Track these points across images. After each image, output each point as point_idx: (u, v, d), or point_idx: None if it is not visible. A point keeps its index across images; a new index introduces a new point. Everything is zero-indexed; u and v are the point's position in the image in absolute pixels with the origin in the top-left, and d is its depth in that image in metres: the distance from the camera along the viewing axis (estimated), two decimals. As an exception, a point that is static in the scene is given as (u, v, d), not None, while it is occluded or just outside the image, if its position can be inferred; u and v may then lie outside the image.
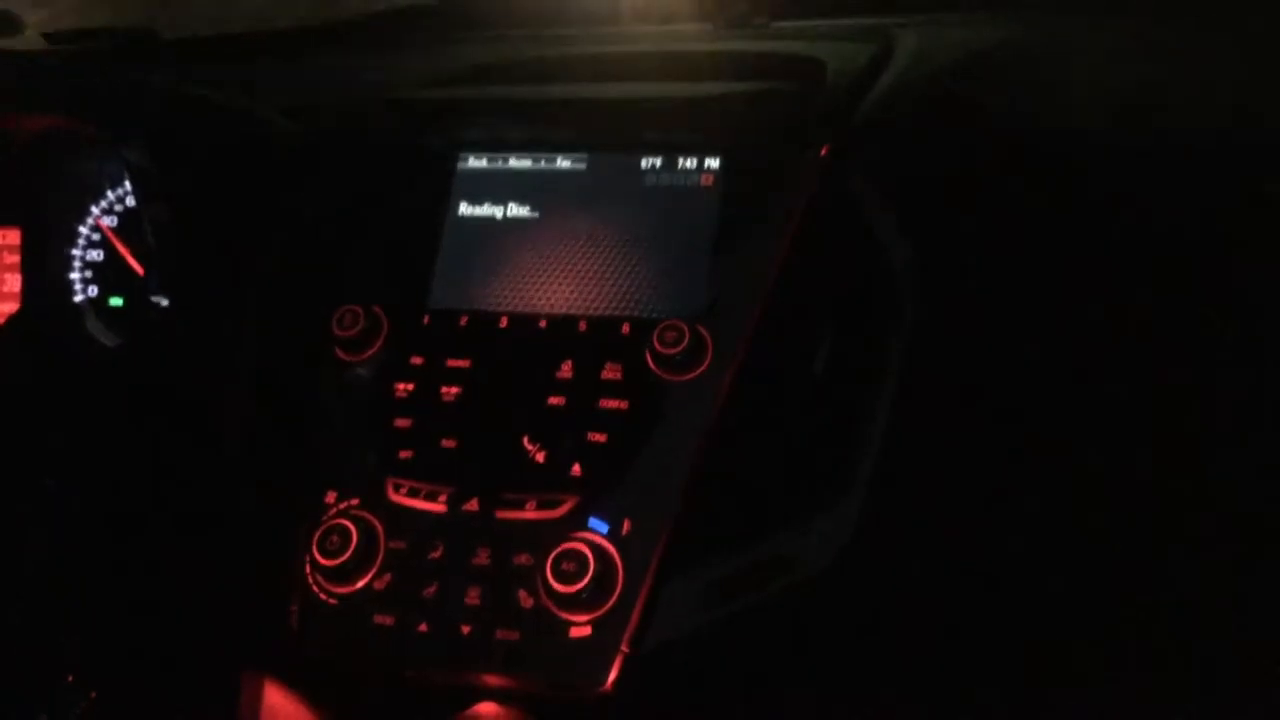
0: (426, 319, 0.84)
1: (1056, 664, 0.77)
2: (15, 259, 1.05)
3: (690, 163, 0.85)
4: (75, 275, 1.04)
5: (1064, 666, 0.77)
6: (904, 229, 0.80)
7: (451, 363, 0.82)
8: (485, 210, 0.88)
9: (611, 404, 0.78)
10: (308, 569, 0.78)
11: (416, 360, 0.83)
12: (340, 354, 0.84)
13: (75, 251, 1.04)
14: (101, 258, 1.04)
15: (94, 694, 0.80)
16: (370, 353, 0.83)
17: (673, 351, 0.76)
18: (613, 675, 0.71)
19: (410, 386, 0.82)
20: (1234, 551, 0.76)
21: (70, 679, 0.80)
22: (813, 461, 0.77)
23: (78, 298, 1.04)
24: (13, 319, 1.01)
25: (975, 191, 0.82)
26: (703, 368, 0.76)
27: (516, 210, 0.88)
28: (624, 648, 0.72)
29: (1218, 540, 0.76)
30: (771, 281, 0.79)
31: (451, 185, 0.90)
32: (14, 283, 1.05)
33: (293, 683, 0.82)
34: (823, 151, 0.81)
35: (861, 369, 0.78)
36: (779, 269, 0.79)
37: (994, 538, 0.76)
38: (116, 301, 1.04)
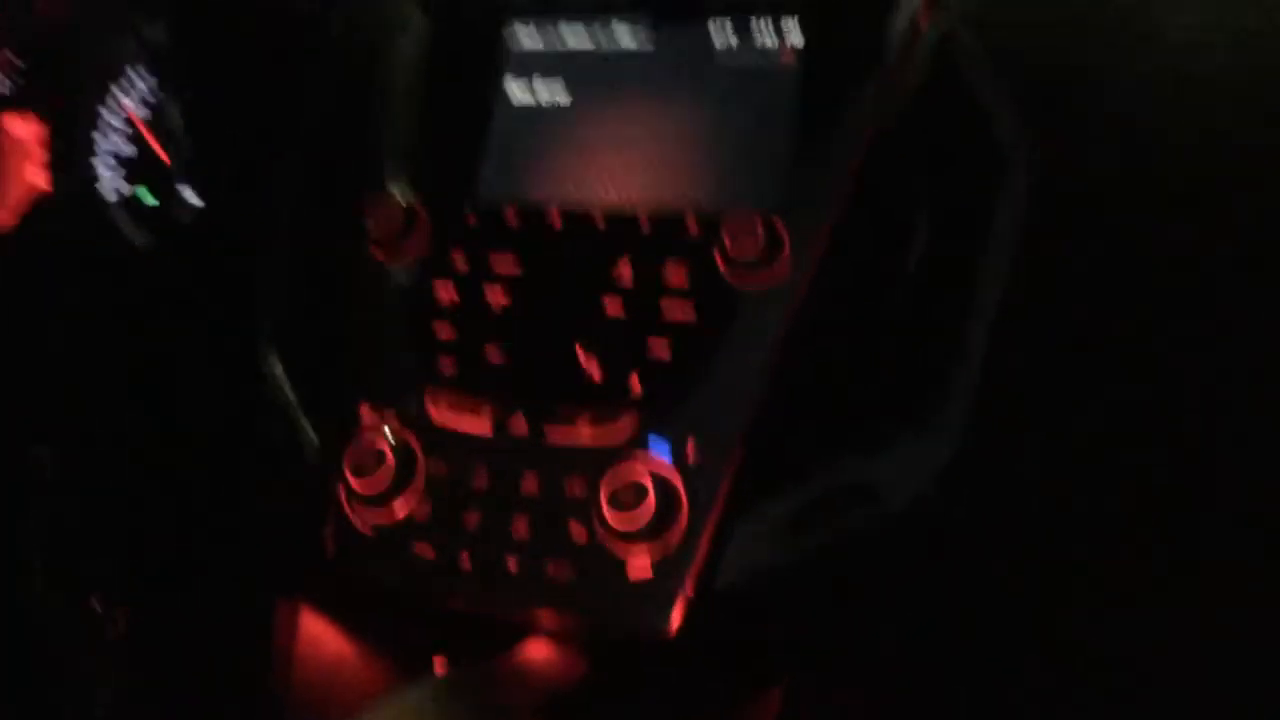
0: (471, 215, 0.75)
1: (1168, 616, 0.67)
2: (40, 150, 0.98)
3: (765, 25, 0.73)
4: (102, 166, 0.97)
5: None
6: (1020, 108, 0.68)
7: (498, 264, 0.73)
8: (536, 90, 0.78)
9: (676, 311, 0.68)
10: (343, 493, 0.70)
11: (459, 261, 0.74)
12: (377, 253, 0.75)
13: (100, 139, 0.97)
14: (128, 147, 0.96)
15: (121, 622, 0.74)
16: (409, 253, 0.74)
17: (745, 250, 0.66)
18: (675, 621, 0.63)
19: (452, 290, 0.73)
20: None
21: (96, 602, 0.75)
22: (905, 376, 0.67)
23: (106, 190, 0.97)
24: (37, 208, 0.94)
25: (1113, 67, 0.69)
26: (779, 269, 0.66)
27: (573, 94, 0.77)
28: (688, 589, 0.64)
29: None
30: (859, 167, 0.68)
31: (497, 61, 0.79)
32: (39, 175, 0.98)
33: (331, 613, 0.76)
34: (922, 20, 0.69)
35: (964, 268, 0.67)
36: (867, 154, 0.68)
37: (1113, 473, 0.66)
38: (146, 198, 0.96)
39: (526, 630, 0.70)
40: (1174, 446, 0.66)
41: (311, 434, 0.75)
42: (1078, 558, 0.69)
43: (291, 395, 0.78)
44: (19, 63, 1.00)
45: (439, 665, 0.75)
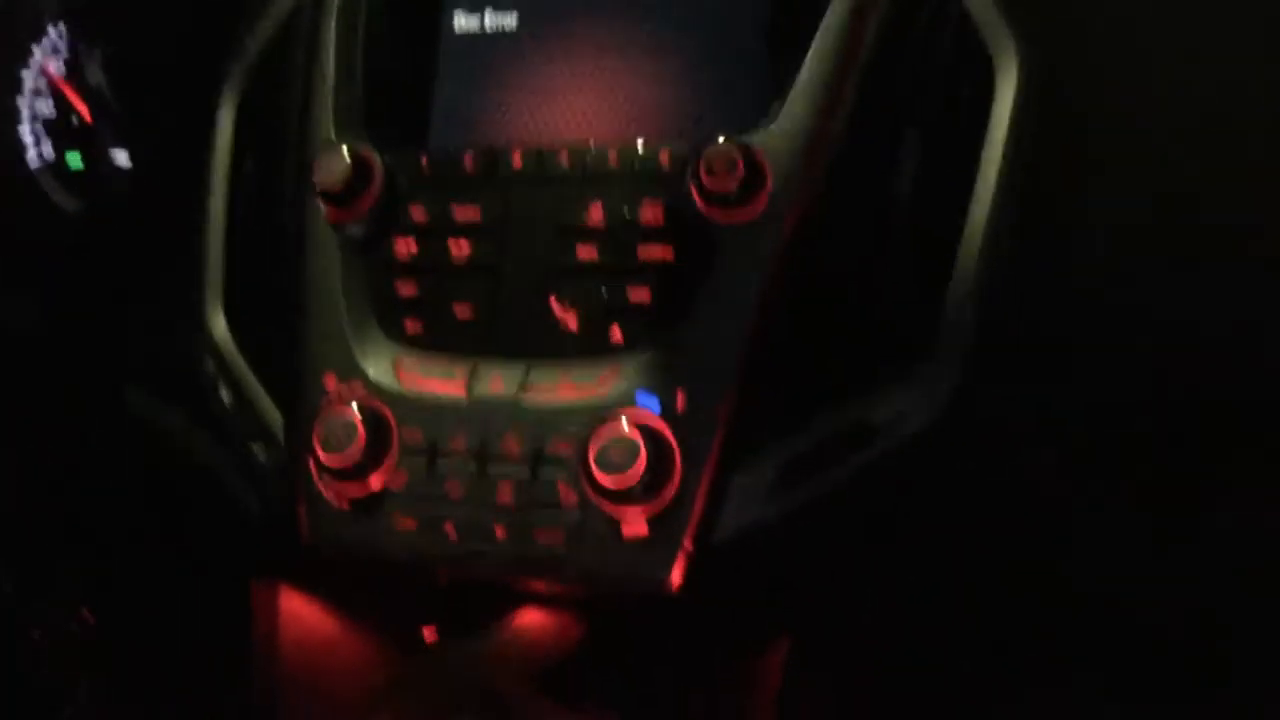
0: (425, 161, 0.70)
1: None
2: (-47, 116, 0.91)
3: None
4: (25, 130, 0.90)
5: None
6: (1009, 25, 0.64)
7: (460, 213, 0.68)
8: (486, 21, 0.72)
9: (654, 253, 0.64)
10: (312, 467, 0.66)
11: (417, 212, 0.69)
12: (328, 209, 0.70)
13: (22, 103, 0.90)
14: (50, 109, 0.90)
15: (87, 612, 0.70)
16: (362, 207, 0.69)
17: (724, 183, 0.61)
18: (676, 577, 0.61)
19: (412, 244, 0.68)
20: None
21: (57, 602, 0.71)
22: (900, 309, 0.64)
23: (29, 156, 0.90)
24: None
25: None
26: (761, 202, 0.62)
27: (524, 19, 0.72)
28: (687, 544, 0.61)
29: None
30: (841, 88, 0.63)
31: (441, -5, 0.74)
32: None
33: (312, 589, 0.72)
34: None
35: (958, 191, 0.63)
36: (850, 76, 0.63)
37: (1123, 406, 0.63)
38: (74, 162, 0.90)
39: (518, 596, 0.67)
40: (1178, 379, 0.63)
41: (271, 408, 0.71)
42: (1077, 500, 0.66)
43: (245, 368, 0.74)
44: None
45: (429, 634, 0.72)
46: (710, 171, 0.61)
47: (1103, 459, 0.64)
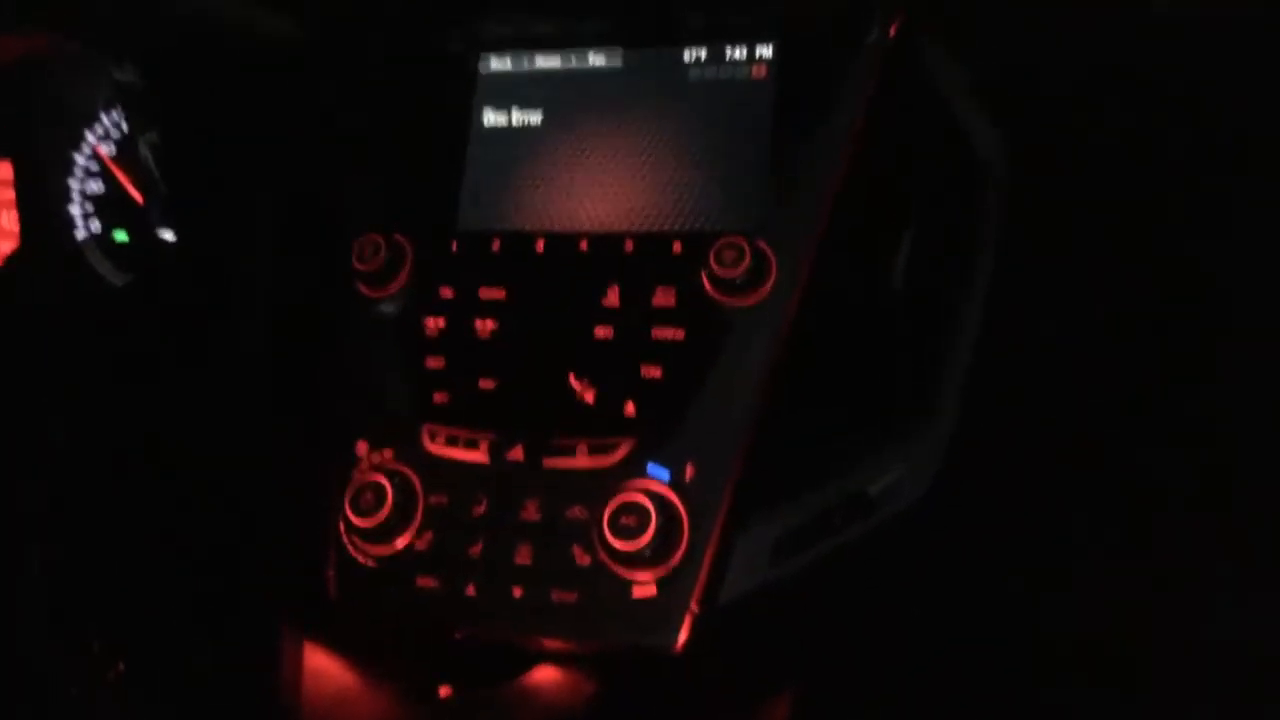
0: (454, 245, 0.76)
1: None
2: (10, 194, 0.97)
3: (739, 52, 0.74)
4: (75, 209, 0.96)
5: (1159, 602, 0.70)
6: (989, 117, 0.69)
7: (485, 293, 0.73)
8: (513, 117, 0.79)
9: (665, 334, 0.69)
10: (342, 528, 0.71)
11: (446, 292, 0.74)
12: (363, 289, 0.75)
13: (73, 183, 0.96)
14: (102, 189, 0.96)
15: (121, 665, 0.74)
16: (395, 286, 0.75)
17: (732, 272, 0.67)
18: (682, 637, 0.65)
19: (441, 322, 0.74)
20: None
21: (95, 647, 0.75)
22: (893, 388, 0.69)
23: (79, 233, 0.96)
24: (10, 259, 0.94)
25: (1069, 73, 0.71)
26: (766, 289, 0.68)
27: (547, 116, 0.78)
28: (693, 606, 0.65)
29: None
30: (839, 185, 0.69)
31: (474, 90, 0.80)
32: (11, 219, 0.98)
33: (336, 646, 0.76)
34: (892, 31, 0.71)
35: (945, 279, 0.69)
36: (847, 170, 0.69)
37: (1096, 473, 0.68)
38: (121, 237, 0.96)
39: (533, 654, 0.71)
40: (1156, 449, 0.68)
41: (306, 471, 0.76)
42: (1064, 562, 0.71)
43: (281, 433, 0.78)
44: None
45: (445, 693, 0.75)
46: (720, 261, 0.67)
47: (1089, 527, 0.69)
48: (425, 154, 0.79)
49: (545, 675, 0.70)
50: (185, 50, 0.85)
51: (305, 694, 0.76)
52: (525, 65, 0.79)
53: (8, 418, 0.82)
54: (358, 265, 0.74)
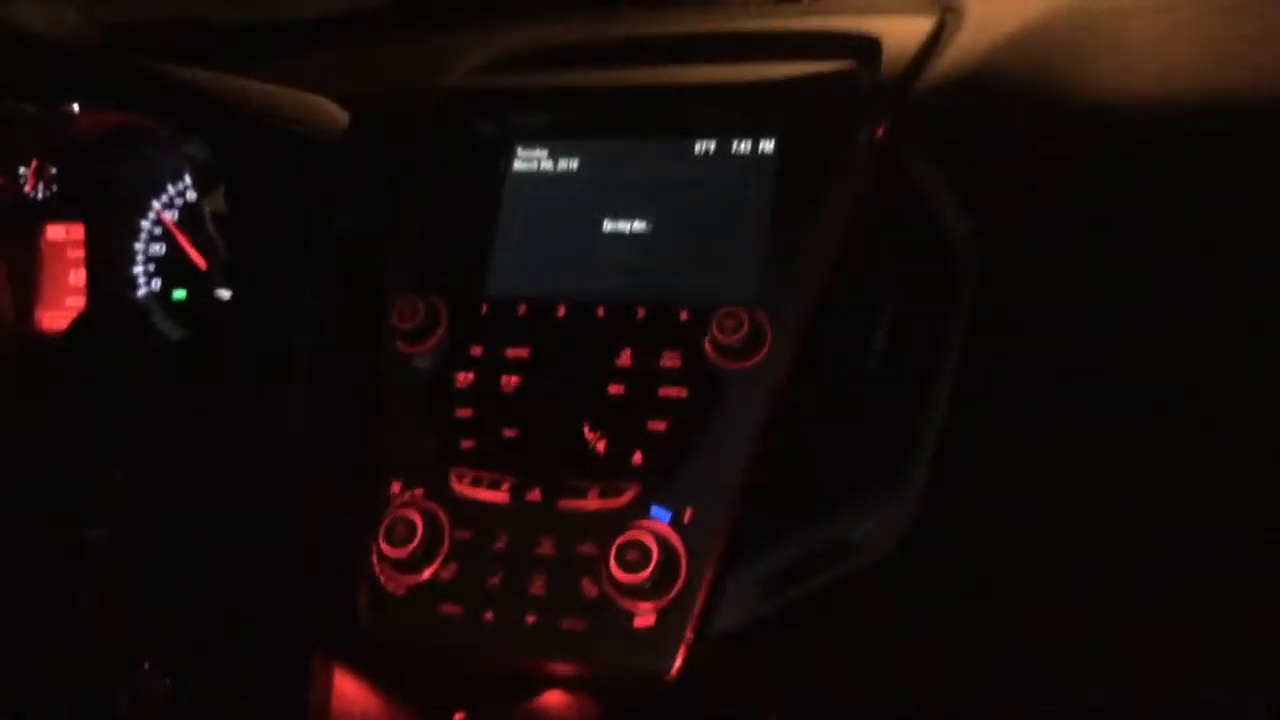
0: (485, 308, 0.84)
1: (1113, 648, 0.77)
2: (80, 254, 1.07)
3: (744, 146, 0.84)
4: (139, 269, 1.06)
5: (1120, 650, 0.77)
6: (964, 208, 0.78)
7: (511, 352, 0.82)
8: (540, 196, 0.88)
9: (671, 392, 0.78)
10: (375, 559, 0.79)
11: (476, 350, 0.83)
12: (400, 345, 0.84)
13: (138, 246, 1.06)
14: (164, 251, 1.06)
15: (169, 681, 0.82)
16: (430, 344, 0.84)
17: (731, 339, 0.76)
18: (678, 663, 0.72)
19: (470, 376, 0.82)
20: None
21: (147, 666, 0.82)
22: (873, 446, 0.77)
23: (141, 292, 1.06)
24: (79, 318, 1.03)
25: (1037, 169, 0.80)
26: (761, 354, 0.76)
27: (571, 196, 0.88)
28: (688, 635, 0.72)
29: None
30: (829, 265, 0.78)
31: (506, 172, 0.90)
32: (79, 278, 1.07)
33: (363, 670, 0.83)
34: (879, 131, 0.80)
35: (922, 350, 0.77)
36: (837, 252, 0.78)
37: (1056, 524, 0.75)
38: (180, 295, 1.05)
39: (542, 680, 0.78)
40: (1116, 505, 0.76)
41: (343, 508, 0.84)
42: (1035, 604, 0.78)
43: (319, 474, 0.87)
44: (54, 173, 1.09)
45: (459, 718, 0.82)
46: (721, 329, 0.76)
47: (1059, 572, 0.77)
48: (461, 226, 0.89)
49: (552, 700, 0.77)
50: (250, 129, 0.96)
51: (335, 714, 0.83)
52: (553, 152, 0.89)
53: (76, 461, 0.90)
54: (398, 324, 0.83)
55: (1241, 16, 0.82)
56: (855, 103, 0.82)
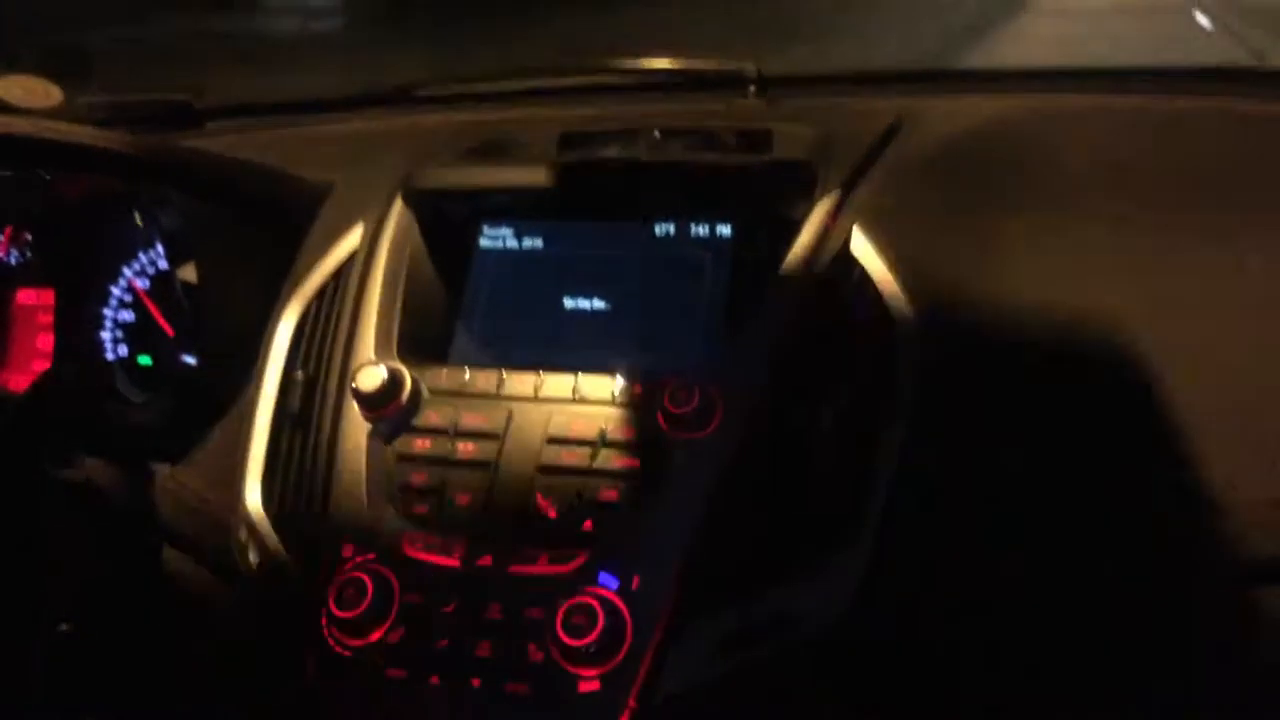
0: (444, 377, 0.86)
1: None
2: (49, 319, 1.09)
3: (703, 229, 0.88)
4: (107, 335, 1.07)
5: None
6: (909, 292, 0.82)
7: (468, 420, 0.84)
8: (503, 272, 0.92)
9: (622, 462, 0.79)
10: (324, 621, 0.79)
11: (434, 418, 0.85)
12: (361, 410, 0.86)
13: (107, 312, 1.08)
14: (133, 318, 1.07)
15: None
16: (390, 410, 0.85)
17: (683, 410, 0.78)
18: (620, 730, 0.72)
19: (428, 443, 0.84)
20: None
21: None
22: (818, 520, 0.78)
23: (109, 356, 1.07)
24: (41, 377, 1.04)
25: (980, 257, 0.84)
26: (712, 427, 0.78)
27: (533, 274, 0.91)
28: (631, 703, 0.73)
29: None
30: (781, 343, 0.81)
31: (472, 252, 0.93)
32: (48, 342, 1.09)
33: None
34: (832, 219, 0.84)
35: (868, 428, 0.79)
36: (788, 331, 0.81)
37: (1000, 602, 0.77)
38: (145, 360, 1.06)
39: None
40: (1062, 583, 0.78)
41: (291, 568, 0.84)
42: (976, 683, 0.79)
43: (272, 534, 0.87)
44: (29, 238, 1.11)
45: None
46: (673, 400, 0.78)
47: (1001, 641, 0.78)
48: (425, 298, 0.91)
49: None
50: (222, 200, 0.98)
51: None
52: (517, 229, 0.92)
53: (34, 519, 0.91)
54: (360, 390, 0.85)
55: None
56: (809, 191, 0.86)
